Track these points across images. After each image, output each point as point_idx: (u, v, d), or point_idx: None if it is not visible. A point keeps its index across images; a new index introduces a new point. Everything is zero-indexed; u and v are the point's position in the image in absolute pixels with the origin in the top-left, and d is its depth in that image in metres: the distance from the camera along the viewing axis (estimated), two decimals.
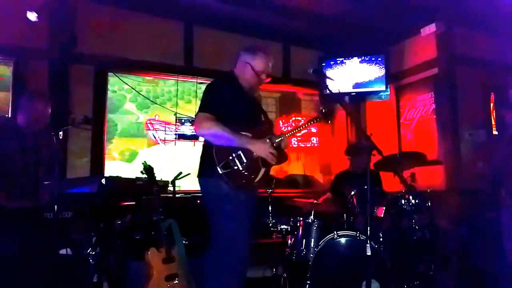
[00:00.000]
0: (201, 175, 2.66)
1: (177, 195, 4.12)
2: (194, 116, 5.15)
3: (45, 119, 3.13)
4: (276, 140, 2.67)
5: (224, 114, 2.54)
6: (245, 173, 2.52)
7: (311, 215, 3.54)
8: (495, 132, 5.20)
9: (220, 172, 2.46)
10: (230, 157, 2.50)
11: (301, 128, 2.87)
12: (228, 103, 2.57)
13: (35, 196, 3.06)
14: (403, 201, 3.39)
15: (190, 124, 5.22)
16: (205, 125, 2.53)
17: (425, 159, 3.78)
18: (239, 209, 2.52)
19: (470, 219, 4.34)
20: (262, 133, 2.67)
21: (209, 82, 2.86)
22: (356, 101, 5.62)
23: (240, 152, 2.52)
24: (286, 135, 2.76)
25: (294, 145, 5.86)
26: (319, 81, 5.37)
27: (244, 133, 2.57)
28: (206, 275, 2.58)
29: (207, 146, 2.59)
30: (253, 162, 2.55)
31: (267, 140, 2.62)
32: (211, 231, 2.60)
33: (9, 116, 4.11)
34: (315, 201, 3.70)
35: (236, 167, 2.50)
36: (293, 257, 3.47)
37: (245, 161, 2.52)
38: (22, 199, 2.99)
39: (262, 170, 2.60)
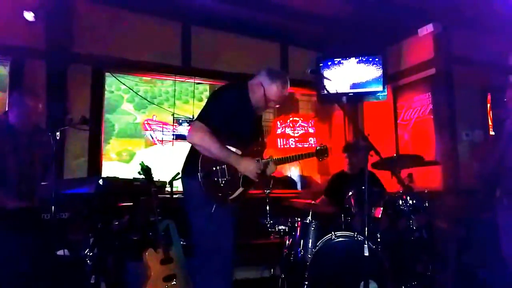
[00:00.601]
0: (184, 173, 2.68)
1: (174, 196, 4.10)
2: (191, 117, 5.17)
3: (36, 116, 3.11)
4: (263, 164, 2.66)
5: (222, 125, 2.53)
6: (223, 188, 2.53)
7: (309, 216, 3.54)
8: (492, 133, 5.22)
9: (199, 179, 2.48)
10: (214, 169, 2.52)
11: (291, 159, 2.91)
12: (229, 116, 2.57)
13: (31, 196, 3.04)
14: (400, 202, 3.40)
15: (188, 125, 5.20)
16: (198, 135, 2.53)
17: (422, 161, 3.79)
18: (218, 211, 2.51)
19: (468, 219, 4.34)
20: (253, 153, 2.66)
21: (220, 86, 2.85)
22: (354, 101, 5.62)
23: (224, 166, 2.53)
24: (274, 163, 2.72)
25: (292, 146, 5.86)
26: (317, 82, 5.35)
27: (234, 149, 2.58)
28: (193, 279, 2.58)
29: (195, 150, 2.59)
30: (234, 180, 2.56)
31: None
32: (192, 233, 2.60)
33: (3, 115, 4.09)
34: (313, 202, 3.70)
35: (216, 179, 2.52)
36: (291, 258, 3.48)
37: (227, 176, 2.53)
38: (18, 199, 2.97)
39: (240, 190, 2.60)
